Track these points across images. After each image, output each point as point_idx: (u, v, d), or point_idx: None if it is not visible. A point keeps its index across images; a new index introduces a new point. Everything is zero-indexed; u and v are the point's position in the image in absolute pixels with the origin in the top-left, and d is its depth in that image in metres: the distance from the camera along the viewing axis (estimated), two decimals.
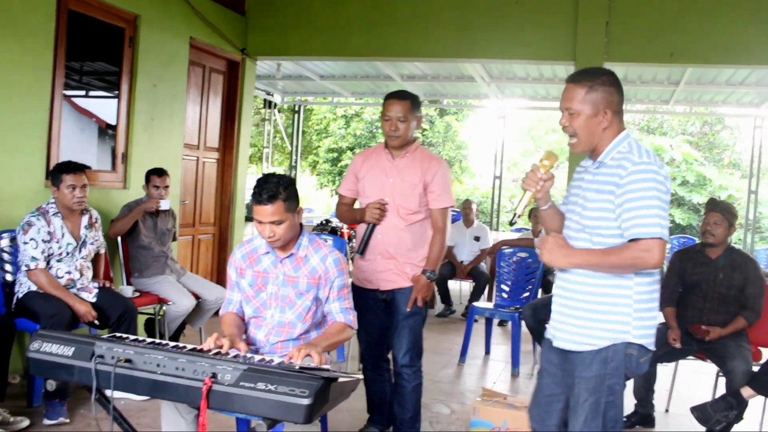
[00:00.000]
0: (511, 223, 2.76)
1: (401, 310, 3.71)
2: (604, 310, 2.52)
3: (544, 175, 2.54)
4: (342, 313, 3.09)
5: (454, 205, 3.84)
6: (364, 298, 3.78)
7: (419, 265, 3.71)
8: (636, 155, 2.45)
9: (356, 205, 3.95)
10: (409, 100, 3.68)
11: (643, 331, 2.55)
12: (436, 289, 8.43)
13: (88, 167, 4.54)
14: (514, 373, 5.78)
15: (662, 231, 2.39)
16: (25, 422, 3.86)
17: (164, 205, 5.24)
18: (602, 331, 2.53)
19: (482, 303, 7.14)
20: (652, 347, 2.58)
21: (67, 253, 4.31)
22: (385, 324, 3.81)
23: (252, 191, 2.91)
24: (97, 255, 4.66)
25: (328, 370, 2.40)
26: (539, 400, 2.83)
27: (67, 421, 3.97)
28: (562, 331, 2.65)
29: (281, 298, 3.04)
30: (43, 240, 4.16)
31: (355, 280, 3.83)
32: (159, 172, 5.32)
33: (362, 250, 3.77)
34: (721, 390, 4.36)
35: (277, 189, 2.84)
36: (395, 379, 3.82)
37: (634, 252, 2.39)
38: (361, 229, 3.81)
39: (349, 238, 12.40)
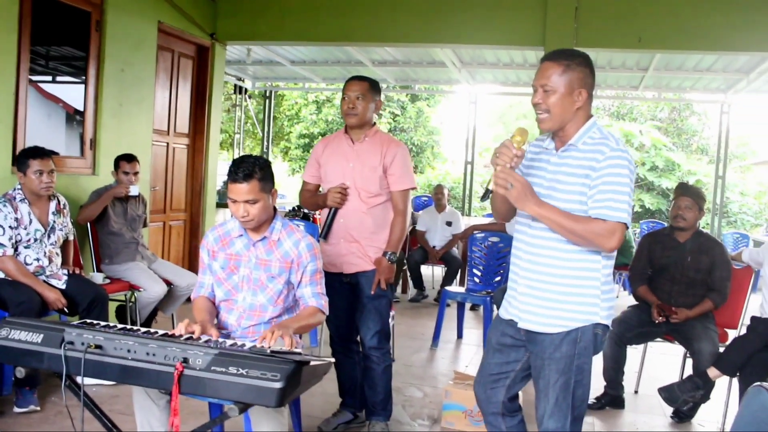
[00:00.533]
0: (483, 199, 2.71)
1: (366, 292, 3.75)
2: (575, 292, 2.55)
3: (518, 151, 2.48)
4: (314, 297, 3.10)
5: (415, 187, 3.87)
6: (330, 281, 3.78)
7: (382, 247, 3.75)
8: (613, 142, 2.50)
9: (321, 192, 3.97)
10: (367, 81, 3.75)
11: (607, 312, 2.61)
12: (409, 274, 8.49)
13: (56, 153, 4.48)
14: None
15: (627, 218, 2.45)
16: None
17: (134, 190, 5.19)
18: (573, 312, 2.55)
19: (454, 287, 7.20)
20: (610, 326, 2.65)
21: (36, 240, 4.25)
22: (352, 307, 3.84)
23: (228, 170, 2.91)
24: (65, 241, 4.60)
25: (299, 353, 2.41)
26: (485, 380, 2.82)
27: (38, 408, 3.95)
28: (530, 313, 2.63)
29: (253, 281, 3.05)
30: (10, 226, 4.11)
31: None
32: (128, 158, 5.26)
33: (325, 234, 3.80)
34: (689, 371, 4.45)
35: (252, 168, 2.86)
36: (364, 362, 3.85)
37: (600, 229, 2.43)
38: (324, 213, 3.84)
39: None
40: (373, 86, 3.74)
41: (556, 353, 2.57)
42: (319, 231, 3.84)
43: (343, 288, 3.81)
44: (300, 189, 4.06)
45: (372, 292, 3.72)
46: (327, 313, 3.16)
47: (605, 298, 2.59)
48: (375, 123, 3.84)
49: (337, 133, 3.92)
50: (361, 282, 3.77)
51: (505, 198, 2.55)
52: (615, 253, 2.58)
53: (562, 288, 2.56)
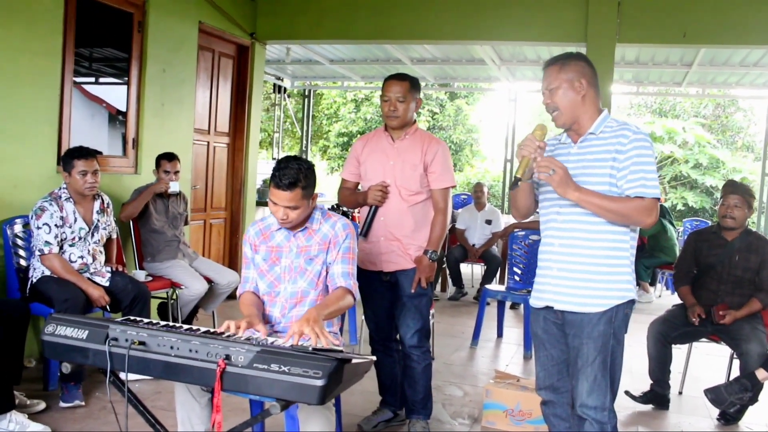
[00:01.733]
0: (512, 188, 2.85)
1: (406, 291, 3.72)
2: (609, 271, 2.69)
3: (540, 143, 2.66)
4: (343, 276, 3.05)
5: (455, 185, 3.85)
6: (369, 280, 3.80)
7: (422, 245, 3.72)
8: (633, 127, 2.66)
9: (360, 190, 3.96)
10: (407, 81, 3.69)
11: (635, 286, 2.75)
12: (448, 272, 8.45)
13: (100, 152, 4.55)
14: (527, 356, 5.78)
15: (659, 193, 2.63)
16: (42, 405, 3.89)
17: (174, 186, 5.24)
18: (610, 291, 2.68)
19: (494, 286, 7.14)
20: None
21: (80, 238, 4.32)
22: (391, 305, 3.82)
23: (272, 173, 2.90)
24: (109, 240, 4.67)
25: (341, 351, 2.40)
26: (549, 371, 2.89)
27: (83, 403, 4.01)
28: (566, 295, 2.74)
29: (294, 269, 3.06)
30: (55, 225, 4.18)
31: (359, 262, 3.82)
32: (169, 157, 5.32)
33: (365, 232, 3.78)
34: (736, 372, 4.35)
35: (297, 176, 2.86)
36: (405, 360, 3.83)
37: (639, 206, 2.58)
38: (365, 212, 3.82)
39: None
40: (413, 85, 3.71)
41: (594, 332, 2.68)
42: (359, 229, 3.82)
43: (382, 286, 3.80)
44: (339, 187, 4.05)
45: (412, 291, 3.70)
46: (357, 296, 3.11)
47: (633, 275, 2.74)
48: (415, 121, 3.81)
49: (377, 130, 3.89)
50: (401, 280, 3.75)
51: (529, 192, 2.84)
52: (638, 229, 2.75)
53: (596, 267, 2.69)
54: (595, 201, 2.59)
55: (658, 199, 2.61)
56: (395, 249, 3.73)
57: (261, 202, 8.46)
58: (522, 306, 6.62)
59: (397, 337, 3.92)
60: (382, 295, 3.82)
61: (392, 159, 3.74)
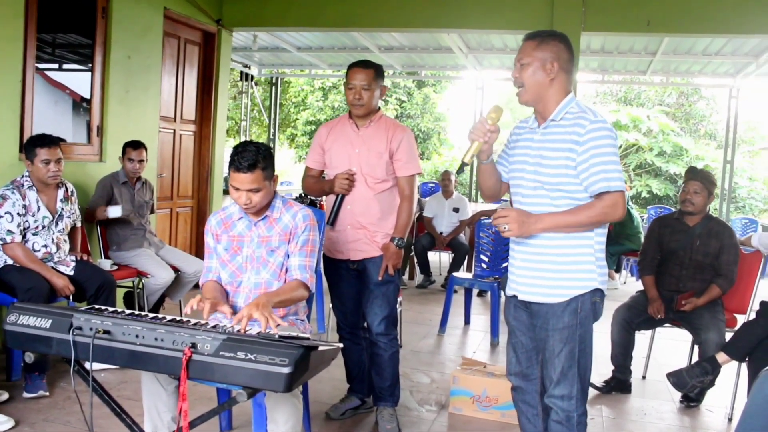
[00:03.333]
0: (458, 172, 2.83)
1: (373, 279, 3.72)
2: (571, 260, 2.64)
3: (492, 127, 2.66)
4: (299, 269, 3.05)
5: (421, 172, 3.85)
6: (336, 268, 3.81)
7: (389, 233, 3.72)
8: (591, 115, 2.59)
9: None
10: (372, 68, 3.65)
11: (603, 278, 2.70)
12: (416, 260, 8.48)
13: (63, 140, 4.48)
14: (494, 343, 5.83)
15: (623, 184, 2.56)
16: (5, 396, 3.84)
17: (113, 212, 5.03)
18: (572, 281, 2.65)
19: (462, 273, 7.18)
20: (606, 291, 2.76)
21: (44, 227, 4.27)
22: (359, 293, 3.82)
23: (230, 158, 2.92)
24: (73, 228, 4.62)
25: (307, 338, 2.40)
26: (519, 358, 2.89)
27: (47, 393, 3.97)
28: (528, 285, 2.73)
29: (256, 260, 3.07)
30: (18, 213, 4.12)
31: (326, 251, 3.84)
32: (135, 145, 5.27)
33: (332, 221, 3.77)
34: (697, 357, 4.45)
35: (256, 158, 2.88)
36: (372, 348, 3.84)
37: (602, 207, 2.54)
38: (330, 200, 3.81)
39: None
40: (378, 73, 3.68)
41: (559, 323, 2.66)
42: (326, 218, 3.81)
43: (350, 275, 3.80)
44: (303, 175, 4.02)
45: (380, 279, 3.70)
46: (312, 289, 3.11)
47: (600, 264, 2.68)
48: (379, 108, 3.80)
49: (341, 117, 3.87)
50: (368, 268, 3.74)
51: (491, 172, 2.84)
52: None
53: (558, 258, 2.65)
54: (561, 222, 2.57)
55: (623, 191, 2.57)
56: (362, 237, 3.72)
57: (228, 191, 8.40)
58: (489, 293, 6.67)
59: (365, 325, 3.93)
60: (349, 283, 3.82)
61: (357, 147, 3.72)
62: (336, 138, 3.79)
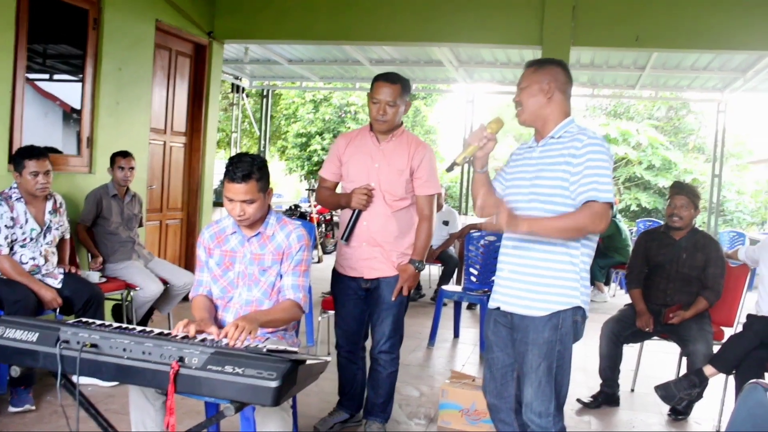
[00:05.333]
0: (448, 170, 2.89)
1: (386, 299, 3.64)
2: (555, 276, 2.69)
3: (489, 135, 2.76)
4: (293, 289, 3.03)
5: (441, 192, 3.79)
6: (346, 286, 3.73)
7: (405, 253, 3.65)
8: (590, 132, 2.69)
9: (338, 190, 3.87)
10: (399, 83, 3.53)
11: (586, 297, 2.75)
12: None
13: (52, 150, 4.47)
14: (483, 356, 5.82)
15: (612, 197, 2.62)
16: None
17: (92, 277, 4.90)
18: (554, 296, 2.69)
19: (451, 286, 7.19)
20: (588, 312, 2.78)
21: (31, 239, 4.24)
22: (364, 314, 3.76)
23: (225, 168, 2.90)
24: (61, 240, 4.60)
25: (296, 352, 2.40)
26: (494, 374, 2.92)
27: (33, 408, 3.94)
28: (512, 297, 2.78)
29: (248, 277, 3.05)
30: (5, 225, 4.10)
31: (338, 266, 3.78)
32: (124, 154, 5.27)
33: (347, 236, 3.66)
34: (685, 369, 4.46)
35: (251, 168, 2.86)
36: (372, 364, 3.78)
37: (588, 215, 2.58)
38: (346, 214, 3.71)
39: (318, 223, 12.36)
40: (404, 88, 3.55)
41: (539, 338, 2.70)
42: (341, 233, 3.71)
43: (358, 294, 3.72)
44: (317, 186, 3.90)
45: (393, 299, 3.63)
46: (306, 309, 3.07)
47: (584, 284, 2.73)
48: (402, 123, 3.71)
49: (362, 129, 3.76)
50: (381, 287, 3.65)
51: (484, 182, 2.88)
52: (593, 243, 2.76)
53: (543, 272, 2.71)
54: (545, 225, 2.63)
55: (611, 204, 2.62)
56: (377, 255, 3.62)
57: (218, 203, 8.39)
58: (478, 306, 6.68)
59: (365, 345, 3.88)
60: (356, 303, 3.74)
61: (377, 161, 3.62)
62: (355, 150, 3.68)
